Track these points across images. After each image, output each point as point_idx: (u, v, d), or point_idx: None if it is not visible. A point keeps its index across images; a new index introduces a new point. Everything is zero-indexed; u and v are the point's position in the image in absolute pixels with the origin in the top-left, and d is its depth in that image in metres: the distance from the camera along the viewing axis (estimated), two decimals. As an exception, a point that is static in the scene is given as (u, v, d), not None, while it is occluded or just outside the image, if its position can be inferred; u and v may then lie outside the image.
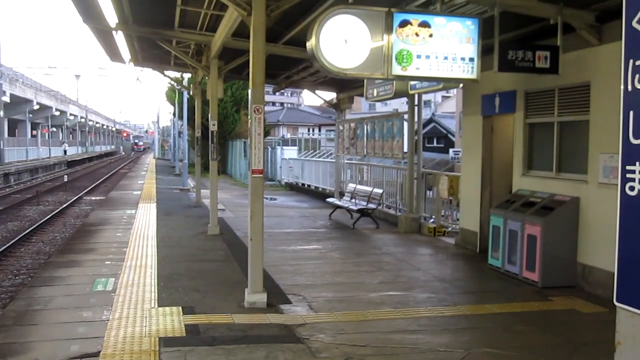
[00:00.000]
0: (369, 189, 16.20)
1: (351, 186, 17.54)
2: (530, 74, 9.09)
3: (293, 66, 16.18)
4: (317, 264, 10.55)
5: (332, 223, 15.92)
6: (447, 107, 69.87)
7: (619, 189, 3.10)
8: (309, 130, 61.44)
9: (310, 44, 7.50)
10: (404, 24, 7.78)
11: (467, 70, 8.10)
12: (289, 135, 53.64)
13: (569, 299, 8.38)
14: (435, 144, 57.75)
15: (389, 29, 7.71)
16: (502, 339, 6.67)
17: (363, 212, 15.17)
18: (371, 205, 15.30)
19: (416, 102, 14.65)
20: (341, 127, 19.85)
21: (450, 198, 13.79)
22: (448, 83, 11.33)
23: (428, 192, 15.33)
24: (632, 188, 3.04)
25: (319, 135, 53.10)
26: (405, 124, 15.04)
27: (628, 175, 3.06)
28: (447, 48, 7.98)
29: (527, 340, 6.66)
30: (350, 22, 7.52)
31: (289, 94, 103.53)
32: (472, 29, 8.09)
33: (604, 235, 8.62)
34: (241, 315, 7.20)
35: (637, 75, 2.97)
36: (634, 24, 3.09)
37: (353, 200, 16.31)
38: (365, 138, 17.34)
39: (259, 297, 7.55)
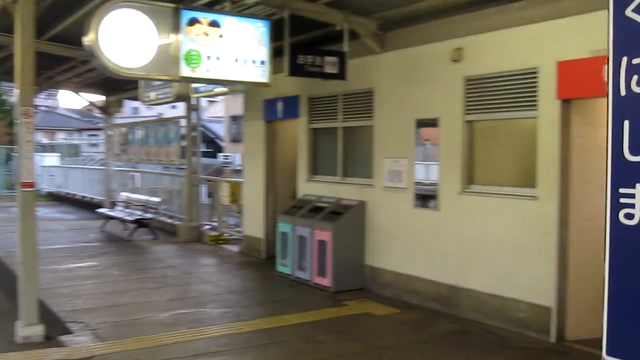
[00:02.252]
0: (144, 197, 15.31)
1: (124, 195, 16.48)
2: (315, 79, 9.05)
3: (57, 66, 14.70)
4: (96, 283, 9.57)
5: (106, 236, 14.76)
6: (214, 111, 69.60)
7: (608, 217, 2.63)
8: (68, 136, 57.58)
9: (88, 39, 6.65)
10: (192, 22, 7.25)
11: (259, 74, 7.79)
12: (45, 141, 49.66)
13: (362, 302, 8.46)
14: (204, 149, 57.23)
15: (176, 27, 7.13)
16: (308, 352, 6.46)
17: (139, 223, 14.27)
18: (148, 215, 14.45)
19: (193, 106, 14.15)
20: (111, 132, 18.62)
21: (233, 205, 13.49)
22: (236, 86, 10.97)
23: (208, 199, 14.88)
24: (629, 216, 2.54)
25: (81, 140, 49.92)
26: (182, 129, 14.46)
27: (623, 200, 2.56)
28: (238, 50, 7.59)
29: (333, 351, 6.51)
30: (134, 18, 6.80)
31: (45, 96, 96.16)
32: (262, 30, 7.79)
33: (390, 237, 8.87)
34: (14, 353, 6.13)
35: (635, 77, 2.53)
36: (629, 13, 2.62)
37: (128, 210, 15.31)
38: (138, 143, 16.39)
39: (35, 330, 6.52)
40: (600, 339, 6.63)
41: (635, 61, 2.52)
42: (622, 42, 2.58)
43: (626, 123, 2.57)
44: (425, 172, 8.39)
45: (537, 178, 6.86)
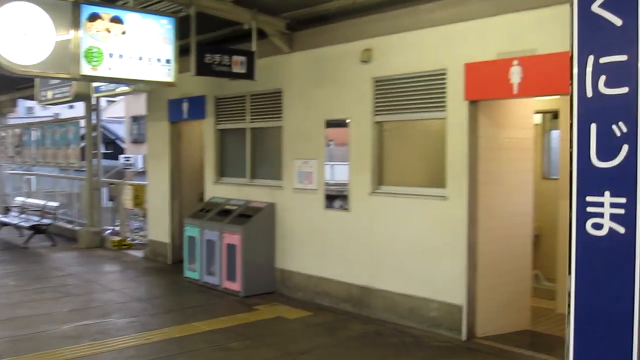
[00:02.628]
0: (41, 202, 14.56)
1: (19, 200, 15.65)
2: (222, 78, 8.86)
3: (-59, 62, 13.74)
4: (-11, 295, 8.98)
5: (-1, 243, 13.95)
6: (113, 112, 67.55)
7: (574, 227, 2.41)
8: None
9: (-22, 34, 6.22)
10: (93, 17, 6.90)
11: (164, 73, 7.53)
12: None
13: (273, 306, 8.32)
14: (104, 150, 55.35)
15: (76, 23, 6.77)
16: (220, 361, 6.27)
17: (36, 229, 13.54)
18: (45, 221, 13.75)
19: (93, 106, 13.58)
20: (3, 134, 17.66)
21: (136, 208, 13.04)
22: (140, 86, 10.58)
23: (110, 202, 14.34)
24: (597, 226, 2.30)
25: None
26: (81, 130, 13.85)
27: (590, 209, 2.32)
28: (142, 47, 7.30)
29: (246, 358, 6.34)
30: (29, 11, 6.42)
31: None
32: (168, 28, 7.53)
33: (300, 239, 8.78)
34: None
35: (602, 77, 2.34)
36: (595, 8, 2.41)
37: (23, 216, 14.54)
38: (34, 145, 15.60)
39: None
40: (507, 334, 6.80)
41: (603, 60, 2.35)
42: (587, 39, 2.41)
43: (593, 126, 2.40)
44: (331, 173, 8.36)
45: (447, 178, 6.94)
